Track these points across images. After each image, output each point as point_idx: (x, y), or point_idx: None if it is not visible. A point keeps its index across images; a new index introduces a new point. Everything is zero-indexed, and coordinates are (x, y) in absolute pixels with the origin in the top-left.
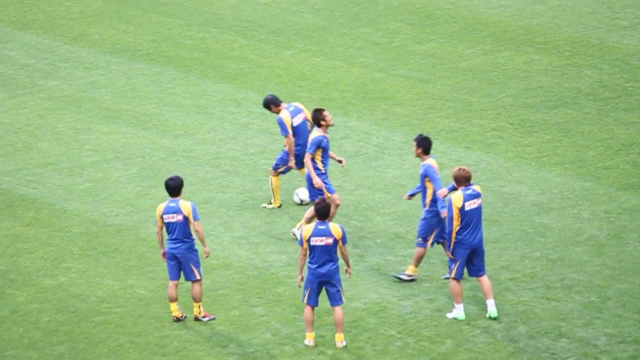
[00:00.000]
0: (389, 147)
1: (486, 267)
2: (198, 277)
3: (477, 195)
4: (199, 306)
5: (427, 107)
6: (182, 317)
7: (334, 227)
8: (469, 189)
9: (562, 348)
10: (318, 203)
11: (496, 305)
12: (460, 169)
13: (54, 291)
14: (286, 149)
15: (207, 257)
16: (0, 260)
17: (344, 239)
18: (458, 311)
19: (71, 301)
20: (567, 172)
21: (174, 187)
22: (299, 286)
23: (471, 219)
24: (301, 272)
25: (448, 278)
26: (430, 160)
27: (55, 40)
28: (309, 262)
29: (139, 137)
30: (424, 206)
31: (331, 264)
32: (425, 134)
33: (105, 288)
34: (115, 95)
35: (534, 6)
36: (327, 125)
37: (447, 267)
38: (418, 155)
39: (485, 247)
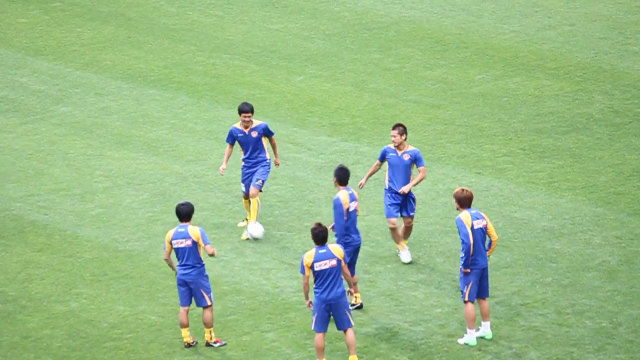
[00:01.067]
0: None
1: (498, 293)
2: (209, 303)
3: (481, 217)
4: (210, 332)
5: (438, 132)
6: (193, 342)
7: (334, 248)
8: (472, 209)
9: None
10: (315, 228)
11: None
12: (462, 189)
13: (65, 317)
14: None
15: (210, 255)
16: (11, 286)
17: (345, 258)
18: (470, 337)
19: (82, 327)
20: (578, 198)
21: (185, 213)
22: (310, 309)
23: (478, 239)
24: (307, 297)
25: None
26: (341, 193)
27: (67, 66)
28: (315, 288)
29: (151, 163)
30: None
31: (337, 287)
32: (343, 165)
33: (116, 314)
34: (127, 121)
35: (545, 32)
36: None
37: (459, 292)
38: (335, 185)
39: (497, 273)
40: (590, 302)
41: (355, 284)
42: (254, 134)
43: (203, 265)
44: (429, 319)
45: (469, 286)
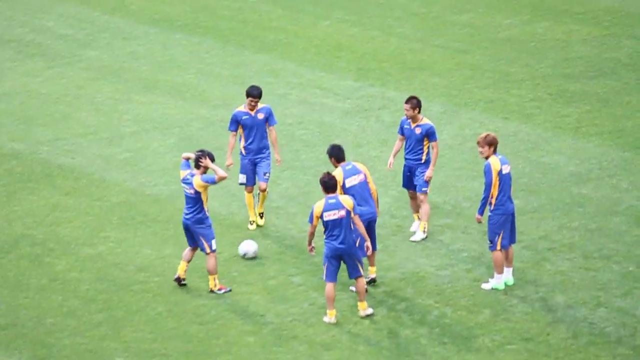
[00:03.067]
0: (427, 118)
1: (524, 237)
2: (207, 251)
3: (507, 162)
4: (214, 279)
5: (465, 77)
6: (183, 280)
7: (345, 198)
8: (499, 155)
9: (600, 318)
10: (324, 177)
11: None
12: (487, 134)
13: (92, 260)
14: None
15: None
16: (39, 229)
17: (355, 209)
18: (497, 280)
19: (110, 270)
20: (605, 143)
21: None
22: (312, 254)
23: (507, 184)
24: (310, 243)
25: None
26: (336, 171)
27: (94, 10)
28: (325, 238)
29: (177, 108)
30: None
31: (346, 237)
32: (335, 143)
33: (143, 257)
34: (154, 65)
35: None
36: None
37: (486, 237)
38: (334, 165)
39: (523, 217)
40: (617, 246)
41: (371, 256)
42: (260, 116)
43: (205, 213)
44: (455, 263)
45: (501, 235)
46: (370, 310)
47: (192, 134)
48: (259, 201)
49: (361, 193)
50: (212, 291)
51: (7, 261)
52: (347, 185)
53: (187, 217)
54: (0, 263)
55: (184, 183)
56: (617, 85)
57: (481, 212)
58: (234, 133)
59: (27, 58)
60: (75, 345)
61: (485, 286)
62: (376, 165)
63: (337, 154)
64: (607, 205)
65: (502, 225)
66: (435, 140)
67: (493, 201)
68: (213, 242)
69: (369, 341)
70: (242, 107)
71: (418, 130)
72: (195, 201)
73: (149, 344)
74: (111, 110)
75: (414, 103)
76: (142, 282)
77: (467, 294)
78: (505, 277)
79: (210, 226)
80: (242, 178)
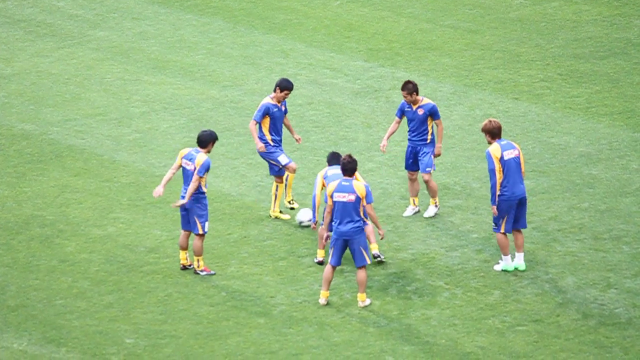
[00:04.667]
0: (436, 98)
1: (534, 218)
2: (200, 232)
3: (513, 147)
4: (198, 260)
5: (475, 57)
6: (189, 265)
7: (358, 185)
8: (503, 140)
9: (611, 299)
10: (344, 159)
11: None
12: (490, 121)
13: (102, 241)
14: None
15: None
16: (49, 210)
17: (367, 197)
18: (506, 262)
19: (120, 251)
20: (615, 123)
21: (203, 140)
22: (313, 228)
23: (511, 170)
24: (327, 227)
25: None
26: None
27: None
28: (333, 221)
29: (187, 88)
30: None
31: (353, 222)
32: (334, 151)
33: (153, 238)
34: (164, 45)
35: None
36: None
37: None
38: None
39: (533, 198)
40: (628, 227)
41: (370, 234)
42: (283, 108)
43: (203, 193)
44: (466, 245)
45: (505, 219)
46: (368, 302)
47: (202, 115)
48: (276, 198)
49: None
50: (195, 272)
51: (17, 242)
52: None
53: (186, 195)
54: (10, 244)
55: (186, 159)
56: (627, 66)
57: (494, 201)
58: (257, 122)
59: (38, 38)
60: (85, 327)
61: (497, 267)
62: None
63: (329, 160)
64: (617, 186)
65: (507, 210)
66: (438, 118)
67: (498, 186)
68: (206, 224)
69: (379, 322)
70: (270, 99)
71: (421, 112)
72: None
73: (159, 325)
74: (120, 90)
75: (410, 88)
76: (152, 264)
77: (477, 276)
78: (516, 262)
79: (206, 207)
80: (285, 157)
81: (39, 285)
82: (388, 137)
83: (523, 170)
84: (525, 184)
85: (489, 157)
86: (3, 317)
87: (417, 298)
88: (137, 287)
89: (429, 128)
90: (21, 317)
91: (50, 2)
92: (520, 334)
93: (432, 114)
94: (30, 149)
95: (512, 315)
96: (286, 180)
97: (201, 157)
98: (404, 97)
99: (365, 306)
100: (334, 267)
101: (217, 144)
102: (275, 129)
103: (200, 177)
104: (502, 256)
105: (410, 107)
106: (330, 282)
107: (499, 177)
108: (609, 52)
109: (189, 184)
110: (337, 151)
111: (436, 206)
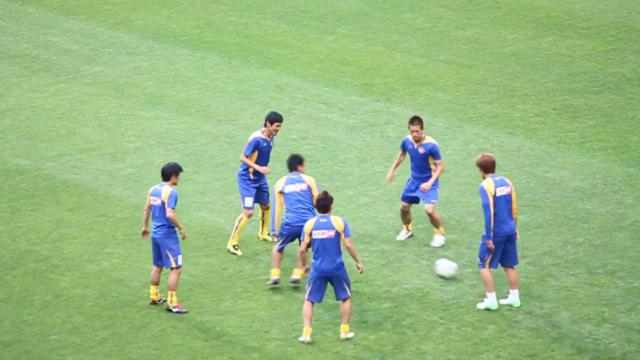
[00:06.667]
0: (431, 133)
1: (529, 253)
2: (173, 265)
3: (506, 183)
4: (172, 295)
5: (470, 92)
6: (159, 301)
7: (336, 220)
8: (497, 176)
9: (605, 334)
10: (319, 196)
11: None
12: (483, 155)
13: (97, 276)
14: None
15: (183, 238)
16: (43, 245)
17: (346, 231)
18: (491, 300)
19: (114, 286)
20: (610, 158)
21: (166, 173)
22: (306, 275)
23: (500, 207)
24: (304, 263)
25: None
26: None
27: (99, 25)
28: (313, 257)
29: (182, 123)
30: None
31: (334, 259)
32: (294, 154)
33: (147, 273)
34: (158, 80)
35: None
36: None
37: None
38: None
39: (528, 233)
40: (622, 262)
41: (300, 258)
42: (271, 143)
43: (172, 227)
44: (460, 279)
45: (490, 255)
46: (351, 334)
47: (197, 149)
48: (264, 223)
49: (297, 202)
50: (168, 309)
51: (12, 277)
52: (286, 191)
53: (156, 230)
54: (5, 279)
55: (153, 196)
56: (621, 100)
57: (489, 235)
58: (247, 157)
59: (33, 73)
60: None
61: (480, 306)
62: (381, 180)
63: (289, 163)
64: (612, 220)
65: (495, 246)
66: (439, 158)
67: (492, 221)
68: (179, 257)
69: (374, 357)
70: (261, 133)
71: (422, 150)
72: (165, 213)
73: None
74: (115, 125)
75: (421, 121)
76: (146, 298)
77: (472, 310)
78: (510, 299)
79: (177, 241)
80: (249, 201)
81: (33, 320)
82: (394, 169)
83: (514, 207)
84: (519, 219)
85: (482, 192)
86: None
87: (411, 333)
88: (132, 322)
89: (432, 165)
90: (15, 353)
91: (45, 38)
92: None
93: (433, 153)
94: (24, 184)
95: (507, 350)
96: (263, 216)
97: (166, 189)
98: (416, 132)
99: (348, 338)
100: (312, 303)
101: (211, 178)
102: (261, 163)
103: (172, 209)
104: (487, 293)
105: (412, 145)
106: (311, 318)
107: (492, 212)
108: (603, 87)
109: (158, 220)
110: (318, 175)
111: (442, 235)
